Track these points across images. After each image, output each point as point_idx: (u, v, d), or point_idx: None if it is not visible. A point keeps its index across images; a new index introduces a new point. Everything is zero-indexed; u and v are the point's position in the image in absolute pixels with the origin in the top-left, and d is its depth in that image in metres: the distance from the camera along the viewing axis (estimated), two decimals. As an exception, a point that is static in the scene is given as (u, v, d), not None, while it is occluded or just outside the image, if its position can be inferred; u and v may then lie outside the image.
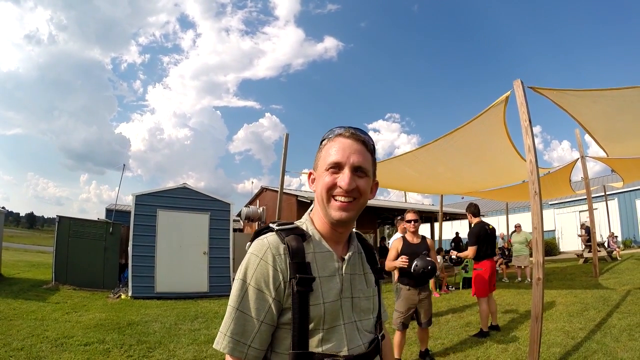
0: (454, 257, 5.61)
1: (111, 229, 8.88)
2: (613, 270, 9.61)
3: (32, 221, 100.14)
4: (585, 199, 9.80)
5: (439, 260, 7.85)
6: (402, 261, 3.56)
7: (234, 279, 0.88)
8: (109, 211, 13.49)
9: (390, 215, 14.70)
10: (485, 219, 5.25)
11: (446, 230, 16.13)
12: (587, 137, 6.85)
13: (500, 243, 12.93)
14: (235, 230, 10.50)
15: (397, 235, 5.46)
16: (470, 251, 4.84)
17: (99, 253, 8.64)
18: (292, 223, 0.91)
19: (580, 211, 17.78)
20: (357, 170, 0.86)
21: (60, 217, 8.72)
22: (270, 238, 0.85)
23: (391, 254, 3.82)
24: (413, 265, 3.52)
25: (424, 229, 15.69)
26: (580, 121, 5.58)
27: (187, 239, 8.11)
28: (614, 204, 17.14)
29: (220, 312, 6.17)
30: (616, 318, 4.89)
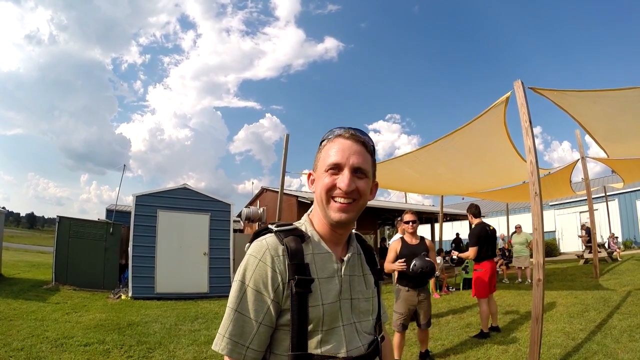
0: (454, 257, 5.62)
1: (111, 229, 8.89)
2: (613, 271, 9.59)
3: (32, 221, 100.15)
4: (586, 199, 9.79)
5: (438, 261, 7.84)
6: (400, 264, 3.56)
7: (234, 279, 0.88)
8: (109, 211, 13.52)
9: (391, 216, 14.72)
10: (485, 220, 5.24)
11: (447, 231, 16.09)
12: (587, 138, 6.87)
13: (500, 244, 12.91)
14: (235, 230, 10.51)
15: (398, 236, 5.45)
16: (471, 252, 4.84)
17: (99, 253, 8.64)
18: (291, 224, 0.90)
19: (580, 212, 17.77)
20: (356, 172, 0.85)
21: (60, 218, 8.74)
22: (269, 239, 0.85)
23: (390, 255, 3.81)
24: (411, 265, 3.52)
25: (425, 230, 15.76)
26: (580, 122, 5.58)
27: (187, 239, 8.11)
28: (614, 204, 17.13)
29: (220, 313, 6.17)
30: (617, 319, 4.88)
